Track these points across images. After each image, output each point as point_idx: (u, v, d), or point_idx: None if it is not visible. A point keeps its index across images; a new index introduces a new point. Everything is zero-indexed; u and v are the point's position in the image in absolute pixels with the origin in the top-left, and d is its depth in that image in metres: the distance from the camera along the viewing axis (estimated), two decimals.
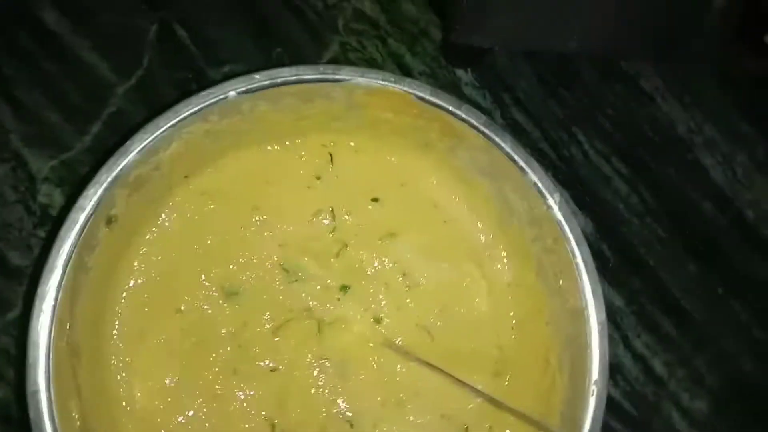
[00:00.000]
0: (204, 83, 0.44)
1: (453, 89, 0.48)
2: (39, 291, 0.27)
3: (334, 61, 0.47)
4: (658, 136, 0.50)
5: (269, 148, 0.35)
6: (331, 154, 0.36)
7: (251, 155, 0.35)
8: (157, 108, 0.43)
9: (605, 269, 0.47)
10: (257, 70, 0.35)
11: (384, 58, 0.47)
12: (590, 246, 0.46)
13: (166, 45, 0.44)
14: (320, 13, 0.47)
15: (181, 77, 0.44)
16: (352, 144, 0.36)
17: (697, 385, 0.46)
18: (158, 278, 0.33)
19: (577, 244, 0.33)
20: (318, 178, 0.36)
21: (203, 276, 0.34)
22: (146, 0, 0.45)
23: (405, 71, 0.48)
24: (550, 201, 0.33)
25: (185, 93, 0.44)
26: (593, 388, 0.31)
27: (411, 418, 0.34)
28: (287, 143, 0.35)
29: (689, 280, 0.48)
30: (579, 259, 0.32)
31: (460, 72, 0.48)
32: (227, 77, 0.44)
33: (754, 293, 0.48)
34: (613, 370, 0.45)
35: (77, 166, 0.41)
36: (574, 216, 0.34)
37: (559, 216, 0.33)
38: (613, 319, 0.45)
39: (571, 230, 0.33)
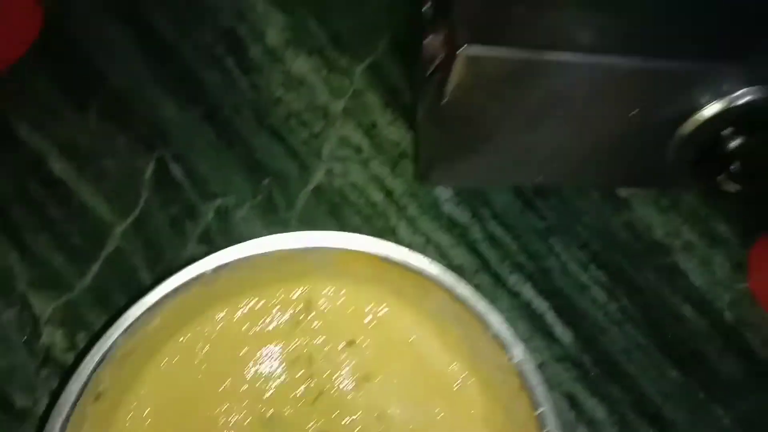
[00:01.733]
0: (196, 218, 0.48)
1: (433, 207, 0.50)
2: None
3: (319, 188, 0.50)
4: (636, 242, 0.51)
5: (246, 301, 0.38)
6: (307, 302, 0.39)
7: (228, 312, 0.37)
8: (152, 243, 0.46)
9: (586, 380, 0.48)
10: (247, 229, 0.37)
11: (366, 182, 0.50)
12: (570, 357, 0.48)
13: (161, 183, 0.47)
14: (307, 141, 0.50)
15: (175, 213, 0.47)
16: (327, 292, 0.39)
17: None
18: None
19: (541, 397, 0.34)
20: (295, 325, 0.39)
21: None
22: (143, 141, 0.48)
23: (387, 192, 0.50)
24: (512, 353, 0.35)
25: (177, 229, 0.47)
26: None
27: None
28: (263, 300, 0.38)
29: (670, 387, 0.48)
30: (544, 411, 0.34)
31: (439, 189, 0.51)
32: (218, 211, 0.48)
33: (736, 396, 0.48)
34: None
35: (78, 306, 0.44)
36: (539, 369, 0.35)
37: (521, 368, 0.34)
38: None
39: (533, 383, 0.34)
